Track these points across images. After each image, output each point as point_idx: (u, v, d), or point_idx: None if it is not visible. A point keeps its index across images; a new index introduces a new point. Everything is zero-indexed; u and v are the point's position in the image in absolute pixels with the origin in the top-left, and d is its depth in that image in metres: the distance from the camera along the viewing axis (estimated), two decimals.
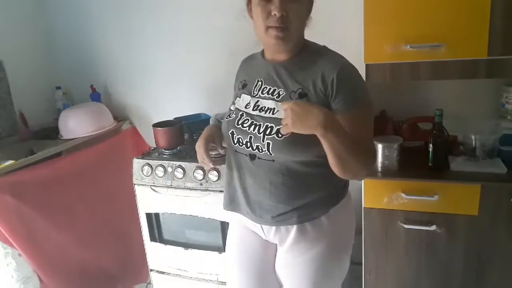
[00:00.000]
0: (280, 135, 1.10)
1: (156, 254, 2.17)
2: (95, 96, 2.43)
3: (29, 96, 2.33)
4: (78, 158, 2.11)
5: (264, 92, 1.20)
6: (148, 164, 2.01)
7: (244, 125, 1.20)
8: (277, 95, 1.17)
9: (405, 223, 1.61)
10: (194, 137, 2.16)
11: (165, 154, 2.07)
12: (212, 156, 1.35)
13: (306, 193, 1.19)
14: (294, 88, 1.14)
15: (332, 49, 1.21)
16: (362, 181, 1.64)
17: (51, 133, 2.24)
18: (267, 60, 1.24)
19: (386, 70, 1.58)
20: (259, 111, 1.18)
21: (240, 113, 1.23)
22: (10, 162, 1.78)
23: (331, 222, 1.23)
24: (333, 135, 1.00)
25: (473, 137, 1.65)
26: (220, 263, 1.99)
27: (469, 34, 1.45)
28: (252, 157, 1.20)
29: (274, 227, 1.24)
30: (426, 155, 1.65)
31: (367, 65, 1.58)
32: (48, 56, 2.50)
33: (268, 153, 1.14)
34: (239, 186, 1.26)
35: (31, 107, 2.31)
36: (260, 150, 1.16)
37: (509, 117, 1.67)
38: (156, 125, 2.05)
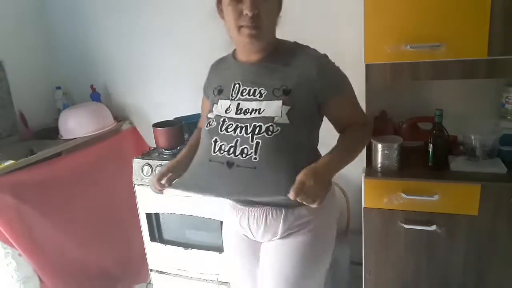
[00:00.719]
0: (270, 133, 1.09)
1: (156, 254, 2.17)
2: (95, 96, 2.43)
3: (29, 96, 2.33)
4: (78, 158, 2.11)
5: (244, 94, 1.18)
6: (148, 164, 2.01)
7: (229, 129, 1.16)
8: (258, 94, 1.16)
9: (405, 223, 1.61)
10: None
11: (165, 154, 2.07)
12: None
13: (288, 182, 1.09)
14: (277, 86, 1.14)
15: (307, 45, 1.23)
16: (362, 181, 1.64)
17: (51, 133, 2.24)
18: (241, 61, 1.24)
19: (386, 70, 1.58)
20: (244, 114, 1.16)
21: (222, 119, 1.19)
22: (10, 162, 1.78)
23: (313, 212, 1.19)
24: (340, 166, 1.14)
25: (473, 137, 1.65)
26: (220, 263, 1.99)
27: (469, 34, 1.45)
28: (230, 164, 1.13)
29: (262, 226, 1.23)
30: (426, 155, 1.65)
31: (367, 65, 1.58)
32: (48, 56, 2.50)
33: (253, 157, 1.10)
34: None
35: (31, 107, 2.31)
36: (244, 155, 1.11)
37: (509, 117, 1.67)
38: (156, 125, 2.05)
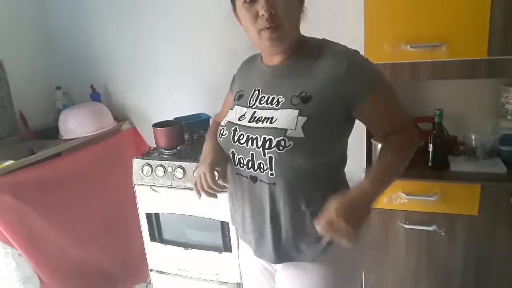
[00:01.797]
0: (281, 148, 0.96)
1: (156, 254, 2.17)
2: (95, 96, 2.43)
3: (29, 96, 2.33)
4: (78, 158, 2.11)
5: (262, 102, 1.06)
6: (148, 164, 2.01)
7: (241, 141, 1.04)
8: (276, 103, 1.03)
9: (405, 223, 1.61)
10: (194, 137, 2.16)
11: (165, 154, 2.07)
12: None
13: (310, 225, 1.01)
14: (296, 92, 1.00)
15: (332, 40, 1.09)
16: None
17: (51, 133, 2.24)
18: (265, 65, 1.11)
19: (386, 70, 1.58)
20: (256, 122, 1.03)
21: (233, 127, 1.07)
22: (10, 162, 1.78)
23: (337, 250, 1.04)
24: (381, 191, 0.99)
25: (473, 137, 1.65)
26: (220, 263, 1.99)
27: (469, 34, 1.45)
28: (254, 179, 1.05)
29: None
30: (426, 155, 1.65)
31: None
32: (48, 56, 2.50)
33: (269, 173, 1.00)
34: (241, 213, 1.14)
35: (31, 107, 2.31)
36: (262, 170, 1.01)
37: (509, 117, 1.67)
38: (156, 125, 2.05)
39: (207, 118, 2.24)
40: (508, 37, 1.42)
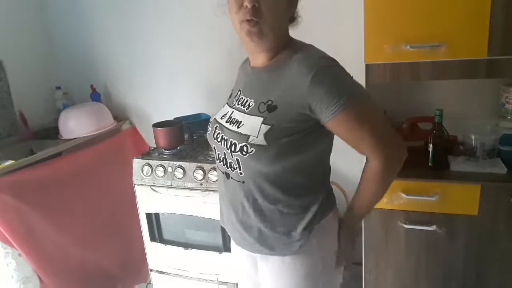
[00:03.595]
0: (244, 153, 0.99)
1: (156, 254, 2.17)
2: (95, 96, 2.43)
3: (29, 96, 2.33)
4: (78, 158, 2.11)
5: (239, 104, 1.09)
6: (148, 164, 2.01)
7: (218, 139, 1.10)
8: (247, 107, 1.05)
9: (405, 223, 1.61)
10: (194, 137, 2.16)
11: (165, 154, 2.07)
12: None
13: (279, 221, 1.07)
14: (264, 99, 1.01)
15: (310, 46, 1.05)
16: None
17: (51, 133, 2.24)
18: (250, 67, 1.13)
19: (386, 70, 1.58)
20: (230, 124, 1.07)
21: (215, 125, 1.13)
22: (10, 162, 1.78)
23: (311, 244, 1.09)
24: (365, 214, 1.22)
25: (473, 137, 1.64)
26: (220, 263, 1.99)
27: (469, 34, 1.45)
28: (227, 175, 1.11)
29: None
30: (426, 155, 1.65)
31: (367, 65, 1.58)
32: (48, 56, 2.50)
33: (239, 172, 1.05)
34: (222, 203, 1.22)
35: (31, 107, 2.31)
36: (233, 169, 1.06)
37: (509, 117, 1.67)
38: (156, 125, 2.05)
39: (207, 118, 2.24)
40: (508, 37, 1.42)
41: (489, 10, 1.41)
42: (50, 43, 2.50)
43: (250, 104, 1.05)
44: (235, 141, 1.02)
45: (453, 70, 1.51)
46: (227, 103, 1.18)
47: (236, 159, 1.03)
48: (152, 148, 2.20)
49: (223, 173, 1.12)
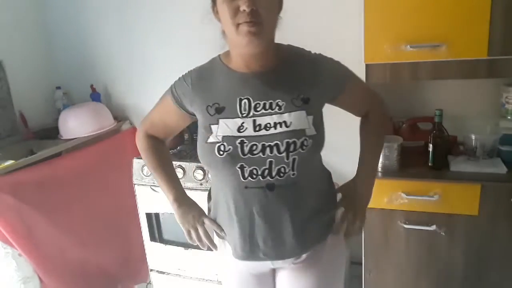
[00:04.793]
0: (304, 147, 1.01)
1: (156, 254, 2.17)
2: (95, 96, 2.43)
3: (29, 96, 2.33)
4: (78, 158, 2.11)
5: (258, 109, 1.03)
6: None
7: (254, 152, 1.01)
8: (277, 107, 1.03)
9: (405, 223, 1.61)
10: (194, 137, 2.16)
11: None
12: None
13: (325, 209, 1.16)
14: (294, 95, 1.04)
15: (301, 48, 1.13)
16: None
17: (51, 133, 2.24)
18: (240, 72, 1.06)
19: (386, 70, 1.58)
20: (266, 129, 1.02)
21: (238, 140, 1.02)
22: (10, 162, 1.78)
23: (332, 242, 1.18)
24: (373, 173, 1.25)
25: (473, 137, 1.65)
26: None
27: (469, 34, 1.45)
28: (271, 187, 1.04)
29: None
30: (426, 155, 1.65)
31: (367, 65, 1.58)
32: (48, 56, 2.50)
33: (291, 173, 1.02)
34: (247, 225, 1.09)
35: (31, 107, 2.31)
36: (282, 174, 1.02)
37: (509, 117, 1.67)
38: None
39: None
40: (508, 37, 1.42)
41: (489, 10, 1.41)
42: (50, 43, 2.50)
43: (280, 104, 1.03)
44: (293, 139, 1.01)
45: (453, 70, 1.52)
46: (224, 118, 1.05)
47: (293, 158, 1.01)
48: None
49: (262, 187, 1.03)
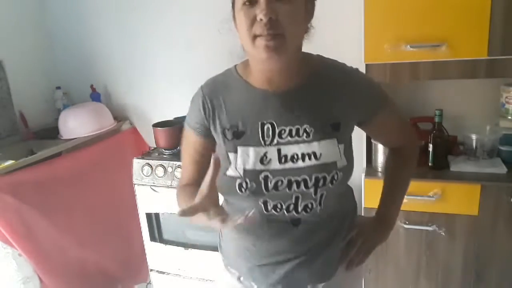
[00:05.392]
0: (335, 181, 0.91)
1: (156, 254, 2.17)
2: (95, 96, 2.43)
3: (29, 96, 2.33)
4: (78, 158, 2.11)
5: (284, 136, 0.90)
6: (148, 164, 2.01)
7: (280, 188, 0.90)
8: (305, 134, 0.90)
9: (405, 223, 1.61)
10: None
11: (165, 154, 2.07)
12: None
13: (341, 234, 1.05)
14: (324, 119, 0.91)
15: (329, 55, 1.01)
16: (362, 181, 1.64)
17: (51, 133, 2.24)
18: (261, 89, 0.92)
19: (386, 70, 1.58)
20: (293, 162, 0.90)
21: (262, 175, 0.90)
22: (10, 162, 1.78)
23: None
24: (397, 211, 1.15)
25: (473, 137, 1.65)
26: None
27: (469, 34, 1.45)
28: (296, 222, 0.95)
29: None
30: (426, 155, 1.65)
31: (367, 65, 1.58)
32: (48, 56, 2.50)
33: (318, 209, 0.93)
34: (268, 257, 0.99)
35: (31, 107, 2.31)
36: (309, 210, 0.93)
37: (509, 117, 1.67)
38: (156, 125, 2.05)
39: None
40: (508, 37, 1.42)
41: (489, 10, 1.41)
42: (50, 43, 2.50)
43: (308, 130, 0.90)
44: (323, 174, 0.89)
45: (453, 70, 1.52)
46: (243, 145, 0.92)
47: (321, 194, 0.91)
48: (152, 148, 2.20)
49: (287, 221, 0.94)
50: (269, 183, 0.90)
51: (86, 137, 2.18)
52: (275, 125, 0.91)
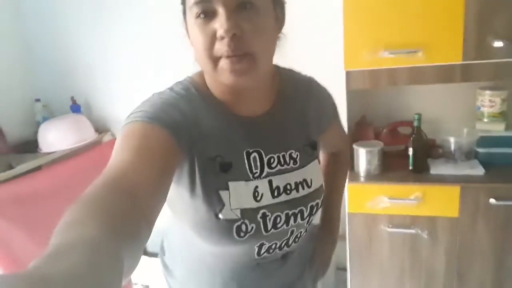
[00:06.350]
0: (320, 205, 0.86)
1: (140, 267, 2.14)
2: (76, 108, 2.40)
3: (8, 109, 2.28)
4: (58, 171, 2.07)
5: (274, 166, 0.78)
6: None
7: (278, 225, 0.78)
8: (292, 161, 0.81)
9: (388, 227, 1.63)
10: None
11: None
12: None
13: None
14: (303, 141, 0.84)
15: (299, 72, 0.92)
16: (346, 186, 1.66)
17: (30, 146, 2.19)
18: (240, 116, 0.76)
19: (365, 76, 1.61)
20: (286, 193, 0.79)
21: (259, 214, 0.76)
22: None
23: None
24: (339, 214, 1.11)
25: (451, 140, 1.69)
26: None
27: (444, 40, 1.49)
28: (285, 257, 0.88)
29: None
30: (407, 159, 1.68)
31: (347, 72, 1.61)
32: (27, 68, 2.46)
33: (303, 237, 0.88)
34: None
35: (9, 120, 2.26)
36: (297, 239, 0.86)
37: (485, 120, 1.72)
38: None
39: None
40: (481, 42, 1.46)
41: (462, 17, 1.45)
42: (29, 54, 2.47)
43: (293, 156, 0.81)
44: (316, 201, 0.83)
45: (430, 75, 1.55)
46: (233, 180, 0.75)
47: (311, 220, 0.85)
48: None
49: (277, 259, 0.86)
50: (268, 222, 0.77)
51: (66, 150, 2.14)
52: (262, 154, 0.77)
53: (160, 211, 0.57)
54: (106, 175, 0.53)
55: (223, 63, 0.65)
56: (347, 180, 1.65)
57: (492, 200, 1.49)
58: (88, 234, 0.40)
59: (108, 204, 0.47)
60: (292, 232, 0.82)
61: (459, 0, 1.44)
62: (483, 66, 1.50)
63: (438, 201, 1.57)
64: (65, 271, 0.33)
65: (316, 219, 0.92)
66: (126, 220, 0.47)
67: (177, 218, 0.84)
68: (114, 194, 0.49)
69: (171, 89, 0.78)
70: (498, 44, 1.43)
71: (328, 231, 1.08)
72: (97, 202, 0.47)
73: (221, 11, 0.62)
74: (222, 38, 0.63)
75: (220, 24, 0.62)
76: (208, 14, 0.64)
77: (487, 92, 1.70)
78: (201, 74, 0.79)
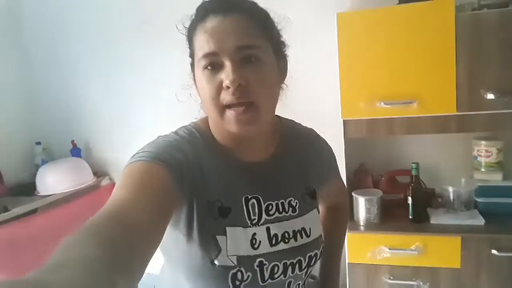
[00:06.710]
0: (319, 256, 0.84)
1: None
2: (76, 152, 2.41)
3: (7, 151, 2.29)
4: (54, 215, 2.04)
5: (271, 214, 0.78)
6: None
7: (275, 275, 0.76)
8: (291, 209, 0.81)
9: (389, 278, 1.59)
10: None
11: None
12: None
13: None
14: (302, 189, 0.84)
15: (299, 123, 0.95)
16: (346, 236, 1.64)
17: (28, 189, 2.18)
18: (240, 161, 0.78)
19: (363, 125, 1.64)
20: (284, 242, 0.78)
21: (256, 263, 0.74)
22: None
23: None
24: (339, 270, 1.06)
25: (450, 190, 1.68)
26: None
27: (438, 92, 1.54)
28: None
29: None
30: (406, 207, 1.67)
31: (344, 121, 1.64)
32: (29, 111, 2.50)
33: (302, 285, 0.85)
34: None
35: (8, 162, 2.26)
36: None
37: (482, 170, 1.73)
38: None
39: None
40: (473, 94, 1.50)
41: (454, 71, 1.51)
42: (32, 98, 2.51)
43: (293, 204, 0.81)
44: (314, 252, 0.81)
45: (426, 125, 1.58)
46: (231, 225, 0.74)
47: (310, 270, 0.83)
48: None
49: None
50: (265, 271, 0.75)
51: (64, 193, 2.13)
52: (261, 200, 0.78)
53: (155, 250, 0.58)
54: (104, 209, 0.56)
55: (229, 114, 0.69)
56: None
57: (494, 251, 1.47)
58: (87, 252, 0.46)
59: (106, 232, 0.51)
60: (289, 284, 0.80)
61: (450, 54, 1.50)
62: (477, 118, 1.53)
63: (440, 251, 1.54)
64: (64, 281, 0.36)
65: (315, 271, 0.91)
66: (121, 249, 0.49)
67: (171, 266, 0.82)
68: (111, 225, 0.52)
69: (175, 132, 0.81)
70: (490, 96, 1.47)
71: (325, 285, 1.04)
72: (96, 229, 0.51)
73: (227, 63, 0.67)
74: (228, 88, 0.67)
75: (226, 75, 0.67)
76: (215, 66, 0.69)
77: (483, 142, 1.72)
78: (205, 120, 0.82)
